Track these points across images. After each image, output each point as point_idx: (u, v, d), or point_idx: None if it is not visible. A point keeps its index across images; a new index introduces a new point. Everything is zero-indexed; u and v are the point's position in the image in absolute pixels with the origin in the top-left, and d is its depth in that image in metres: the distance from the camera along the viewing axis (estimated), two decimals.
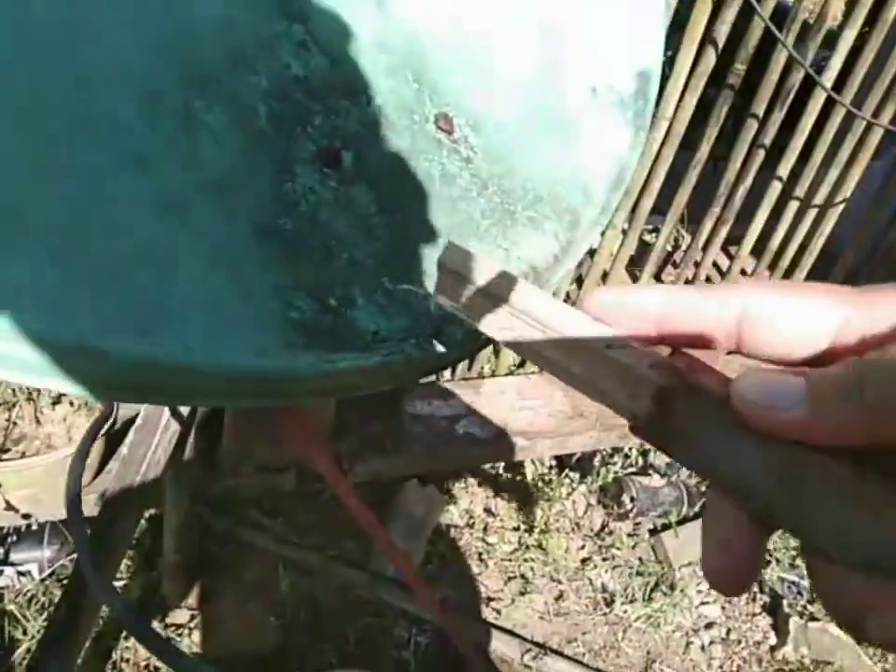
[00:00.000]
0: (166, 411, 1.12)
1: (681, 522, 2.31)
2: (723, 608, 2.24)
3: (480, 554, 2.16)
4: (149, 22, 0.56)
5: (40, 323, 0.43)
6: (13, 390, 1.39)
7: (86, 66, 0.52)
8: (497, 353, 2.20)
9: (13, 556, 1.77)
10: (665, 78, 1.75)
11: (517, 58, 0.74)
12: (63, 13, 0.52)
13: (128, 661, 1.73)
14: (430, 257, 0.64)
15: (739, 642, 2.15)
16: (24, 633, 1.68)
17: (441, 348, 0.61)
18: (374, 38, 0.65)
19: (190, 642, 1.80)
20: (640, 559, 2.28)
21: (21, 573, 1.77)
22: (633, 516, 2.31)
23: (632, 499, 2.29)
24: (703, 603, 2.24)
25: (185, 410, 1.12)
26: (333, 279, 0.58)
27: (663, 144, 1.86)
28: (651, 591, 2.20)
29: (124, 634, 1.76)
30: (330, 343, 0.56)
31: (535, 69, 0.75)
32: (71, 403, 1.44)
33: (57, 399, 1.42)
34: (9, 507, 1.40)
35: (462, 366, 2.16)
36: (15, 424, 1.41)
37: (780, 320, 0.26)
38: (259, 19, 0.61)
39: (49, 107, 0.49)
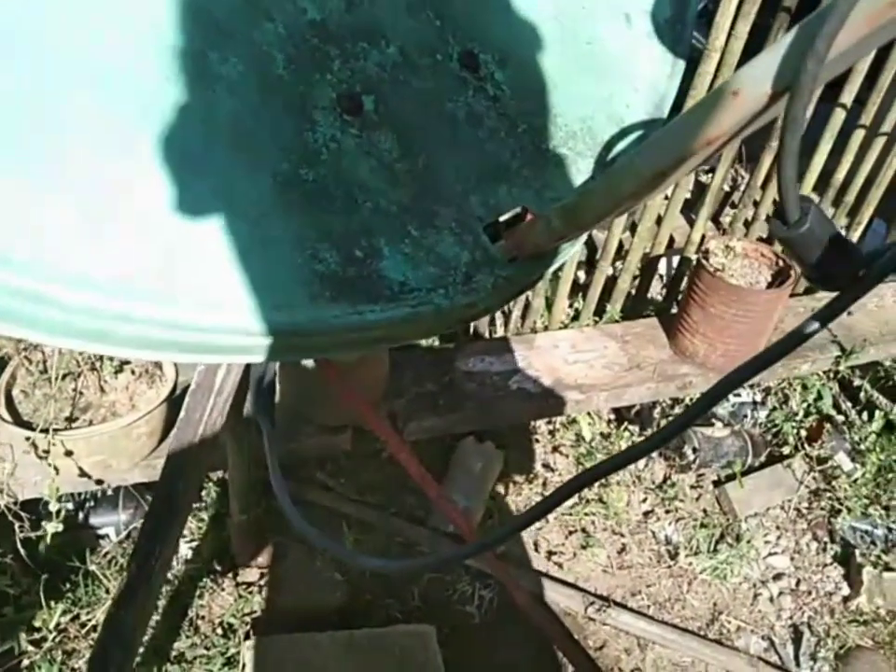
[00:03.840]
0: (219, 374, 1.14)
1: (746, 472, 2.26)
2: (792, 558, 2.19)
3: None
4: None
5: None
6: (76, 360, 1.44)
7: (100, 20, 0.51)
8: (549, 307, 2.17)
9: (92, 520, 1.86)
10: (714, 5, 1.65)
11: None
12: None
13: (203, 618, 1.81)
14: (456, 202, 0.62)
15: (810, 593, 2.10)
16: (107, 592, 1.77)
17: (469, 297, 0.59)
18: None
19: (261, 599, 1.86)
20: (704, 511, 2.24)
21: (99, 536, 1.86)
22: (695, 467, 2.27)
23: (694, 450, 2.24)
24: (771, 554, 2.19)
25: (237, 372, 1.15)
26: (358, 229, 0.57)
27: (714, 77, 1.77)
28: (717, 543, 2.16)
29: (199, 592, 1.84)
30: (357, 294, 0.55)
31: None
32: (133, 371, 1.49)
33: (119, 368, 1.47)
34: (83, 473, 1.47)
35: (515, 321, 2.14)
36: (81, 393, 1.47)
37: None
38: None
39: (63, 60, 0.49)
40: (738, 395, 2.39)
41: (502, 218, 0.64)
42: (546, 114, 0.68)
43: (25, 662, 1.62)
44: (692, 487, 2.29)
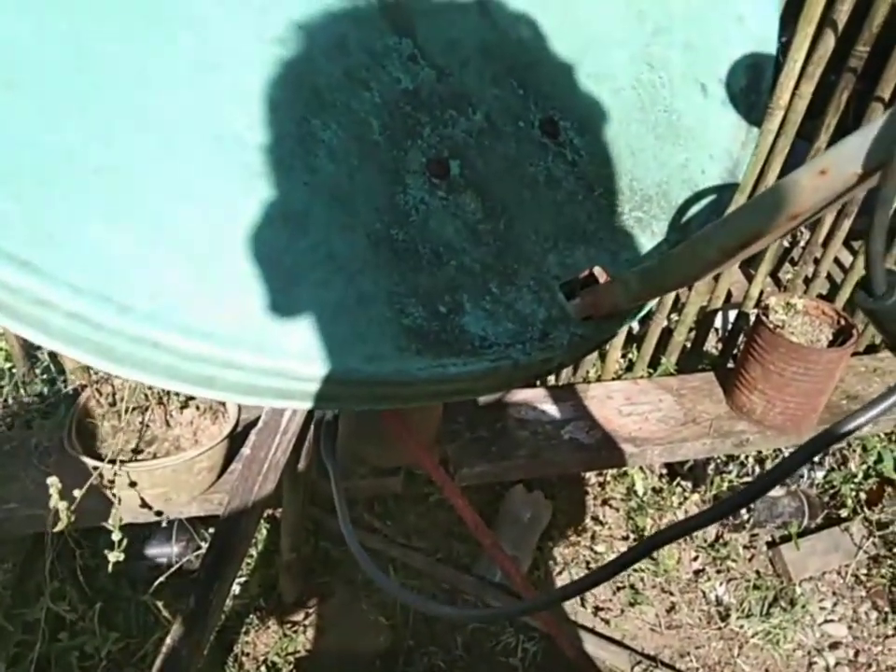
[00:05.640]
0: (286, 414, 1.18)
1: (802, 534, 2.19)
2: (850, 627, 2.10)
3: (588, 563, 2.13)
4: (267, 46, 0.59)
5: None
6: (146, 394, 1.50)
7: (211, 89, 0.56)
8: (602, 357, 2.17)
9: (145, 551, 1.90)
10: (779, 66, 1.67)
11: (624, 58, 0.73)
12: (190, 42, 0.56)
13: (248, 654, 1.82)
14: (535, 261, 0.64)
15: (870, 666, 2.01)
16: (156, 622, 1.80)
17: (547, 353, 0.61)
18: (480, 47, 0.66)
19: (305, 639, 1.87)
20: (757, 572, 2.17)
21: (151, 566, 1.90)
22: (749, 527, 2.21)
23: (748, 510, 2.19)
24: (827, 621, 2.11)
25: (302, 413, 1.18)
26: (443, 285, 0.59)
27: (778, 135, 1.78)
28: (770, 606, 2.09)
29: (244, 629, 1.85)
30: (441, 348, 0.57)
31: (642, 68, 0.74)
32: (197, 407, 1.53)
33: (185, 404, 1.52)
34: (144, 504, 1.51)
35: (567, 370, 2.14)
36: (148, 426, 1.52)
37: None
38: (370, 35, 0.64)
39: (179, 125, 0.53)
40: None
41: (575, 278, 0.66)
42: (622, 178, 0.71)
43: None
44: (745, 547, 2.23)
